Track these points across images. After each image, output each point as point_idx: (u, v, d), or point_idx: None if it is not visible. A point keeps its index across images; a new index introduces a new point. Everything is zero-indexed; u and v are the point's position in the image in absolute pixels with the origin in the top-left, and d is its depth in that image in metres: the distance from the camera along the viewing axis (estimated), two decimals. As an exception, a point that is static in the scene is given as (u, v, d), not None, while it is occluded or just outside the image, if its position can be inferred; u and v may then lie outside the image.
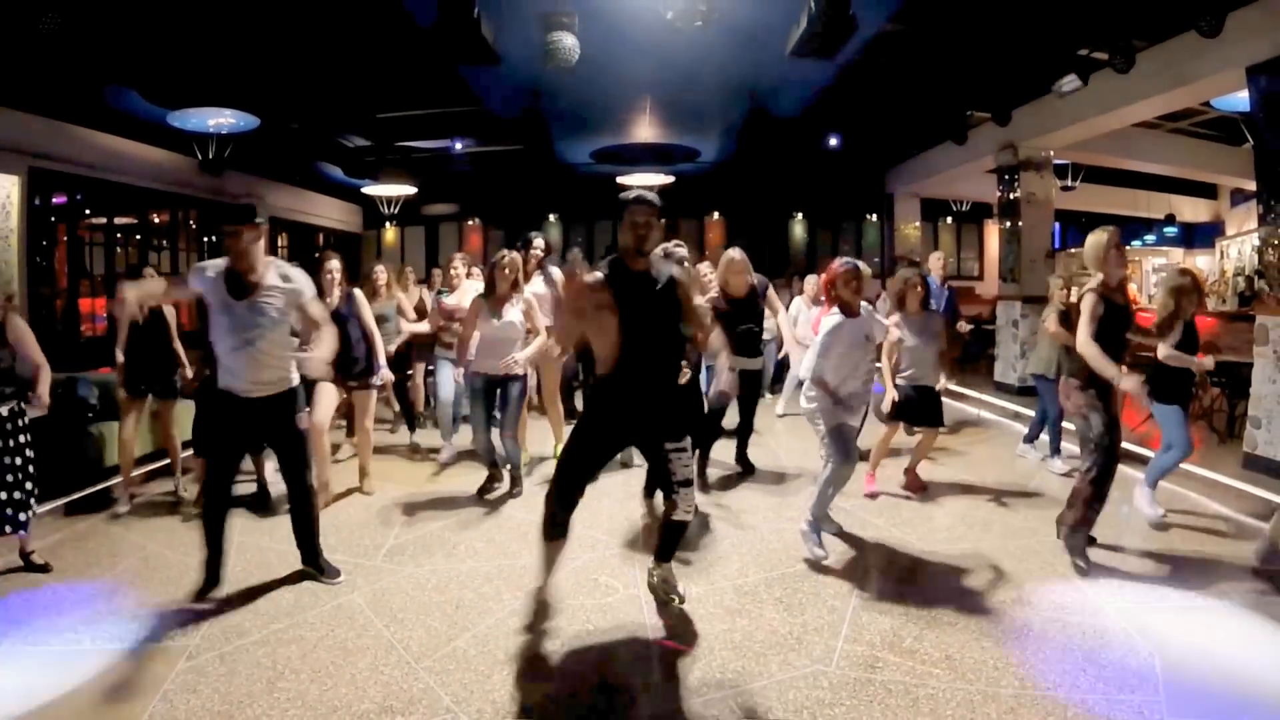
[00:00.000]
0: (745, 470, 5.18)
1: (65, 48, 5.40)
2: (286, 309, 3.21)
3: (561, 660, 2.74)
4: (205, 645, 2.84)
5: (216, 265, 3.16)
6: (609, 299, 2.77)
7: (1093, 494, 3.52)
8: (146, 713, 2.40)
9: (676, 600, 3.10)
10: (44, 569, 3.51)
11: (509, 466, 4.70)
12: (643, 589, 3.31)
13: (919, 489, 4.69)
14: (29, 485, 3.46)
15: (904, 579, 3.44)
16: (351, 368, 4.51)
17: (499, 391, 4.60)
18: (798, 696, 2.50)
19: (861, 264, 3.76)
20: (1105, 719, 2.36)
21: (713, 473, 5.01)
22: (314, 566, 3.44)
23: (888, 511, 4.35)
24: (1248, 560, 3.55)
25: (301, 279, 3.26)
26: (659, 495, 4.36)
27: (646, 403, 2.87)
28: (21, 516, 3.41)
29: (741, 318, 4.66)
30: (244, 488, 4.64)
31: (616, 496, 4.62)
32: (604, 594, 3.29)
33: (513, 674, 2.64)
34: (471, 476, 5.04)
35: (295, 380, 3.32)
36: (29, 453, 3.48)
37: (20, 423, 3.45)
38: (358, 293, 4.62)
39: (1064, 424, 5.16)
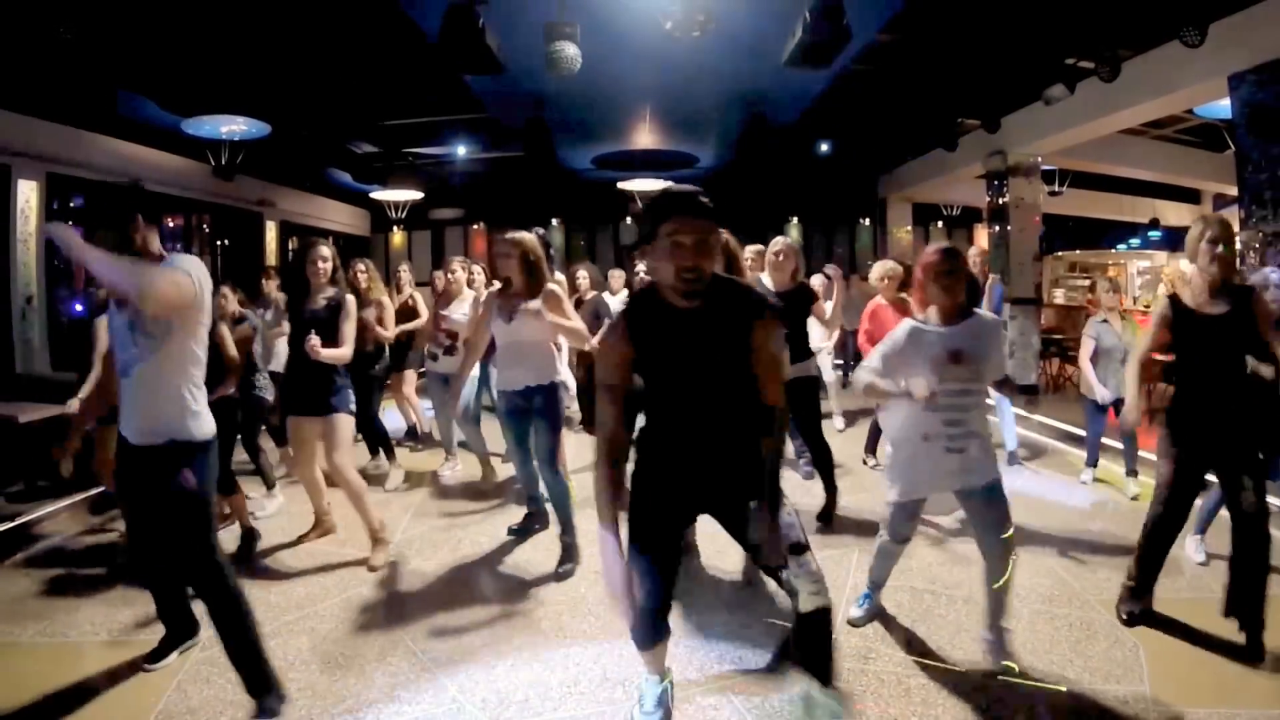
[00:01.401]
0: (823, 522, 4.01)
1: (82, 57, 5.40)
2: (179, 324, 2.19)
3: (563, 651, 2.74)
4: (218, 637, 2.84)
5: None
6: (626, 349, 1.88)
7: (1141, 550, 2.85)
8: (161, 702, 2.41)
9: None
10: None
11: (559, 521, 3.57)
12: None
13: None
14: None
15: (896, 572, 3.42)
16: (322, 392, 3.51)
17: (527, 411, 3.47)
18: (794, 687, 2.49)
19: (952, 250, 2.57)
20: (1092, 709, 2.36)
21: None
22: (259, 695, 2.33)
23: (880, 507, 4.33)
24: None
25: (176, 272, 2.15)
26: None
27: (704, 469, 1.96)
28: None
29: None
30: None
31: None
32: (606, 588, 3.28)
33: (515, 664, 2.65)
34: (477, 473, 5.03)
35: (196, 432, 2.26)
36: None
37: None
38: (350, 300, 3.55)
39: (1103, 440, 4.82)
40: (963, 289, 2.53)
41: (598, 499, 1.89)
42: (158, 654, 2.62)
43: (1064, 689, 2.46)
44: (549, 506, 3.68)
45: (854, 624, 2.89)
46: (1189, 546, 3.50)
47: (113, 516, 4.25)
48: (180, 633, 2.68)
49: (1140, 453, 4.52)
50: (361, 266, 5.02)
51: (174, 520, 2.26)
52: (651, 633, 2.09)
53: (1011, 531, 2.54)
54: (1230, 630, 2.81)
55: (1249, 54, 5.04)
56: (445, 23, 4.75)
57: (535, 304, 3.32)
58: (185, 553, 2.30)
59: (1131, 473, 4.54)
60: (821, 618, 1.99)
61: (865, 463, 5.22)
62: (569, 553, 3.47)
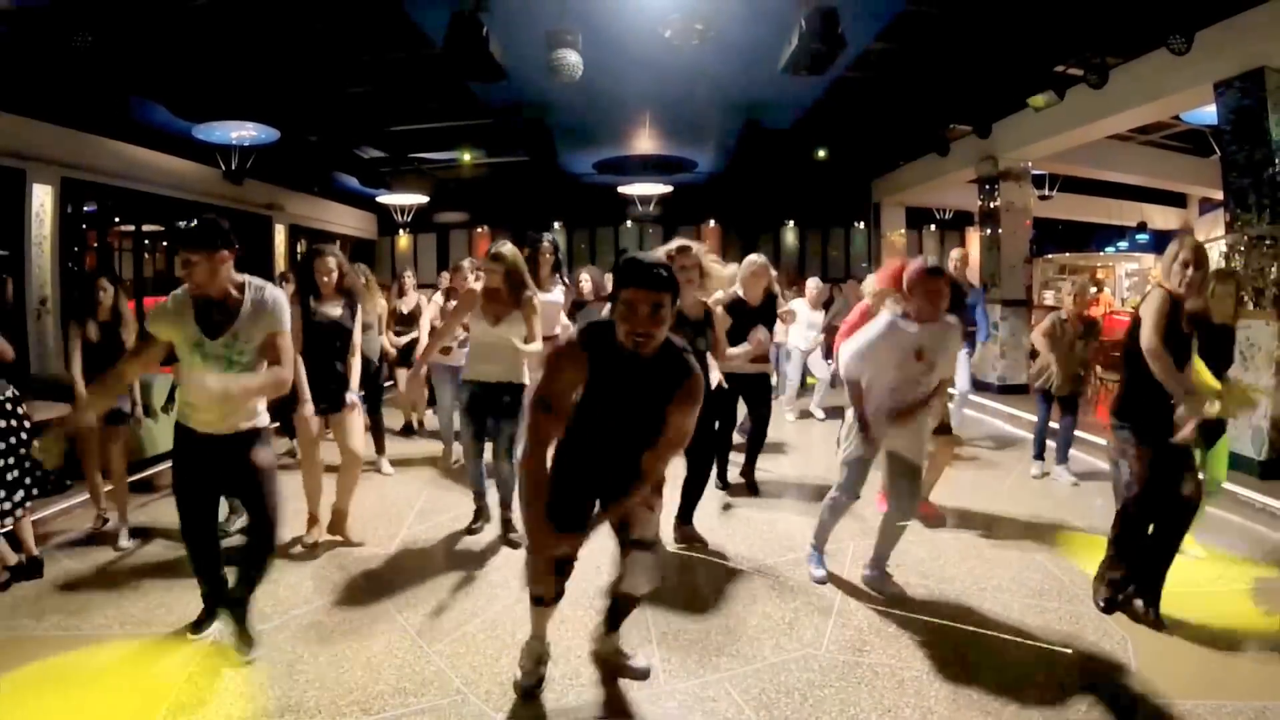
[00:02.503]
0: (750, 489, 4.57)
1: (96, 65, 5.39)
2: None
3: (566, 645, 2.74)
4: (228, 630, 2.84)
5: (176, 300, 2.51)
6: (581, 369, 2.13)
7: (1112, 555, 2.97)
8: (173, 694, 2.40)
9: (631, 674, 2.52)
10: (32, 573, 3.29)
11: (500, 500, 3.79)
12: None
13: (936, 518, 4.00)
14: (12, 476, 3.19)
15: (889, 566, 3.43)
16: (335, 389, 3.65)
17: (494, 404, 3.65)
18: (789, 678, 2.50)
19: (946, 270, 3.01)
20: (1081, 700, 2.36)
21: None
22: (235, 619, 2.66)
23: (874, 503, 4.34)
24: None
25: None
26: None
27: (604, 475, 2.22)
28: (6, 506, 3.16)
29: (753, 324, 3.90)
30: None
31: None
32: (606, 581, 3.29)
33: (519, 656, 2.64)
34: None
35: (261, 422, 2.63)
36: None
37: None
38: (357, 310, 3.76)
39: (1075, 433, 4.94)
40: (941, 301, 2.88)
41: (529, 488, 2.17)
42: (200, 625, 2.78)
43: (1053, 680, 2.46)
44: (491, 501, 3.90)
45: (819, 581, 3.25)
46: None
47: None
48: (219, 605, 2.77)
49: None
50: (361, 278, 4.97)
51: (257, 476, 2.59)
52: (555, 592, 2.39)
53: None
54: (1215, 624, 2.82)
55: (1234, 62, 5.05)
56: (450, 31, 4.75)
57: (518, 313, 3.59)
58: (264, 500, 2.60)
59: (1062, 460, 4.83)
60: (627, 601, 2.50)
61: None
62: (511, 525, 3.74)
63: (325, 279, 3.63)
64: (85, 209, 7.57)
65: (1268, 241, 4.96)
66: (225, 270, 2.47)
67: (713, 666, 2.58)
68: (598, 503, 2.28)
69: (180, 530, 2.65)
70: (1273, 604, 3.03)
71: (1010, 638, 2.76)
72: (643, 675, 2.51)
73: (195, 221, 2.50)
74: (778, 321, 4.57)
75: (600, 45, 5.56)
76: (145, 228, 8.66)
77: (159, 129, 7.48)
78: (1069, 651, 2.65)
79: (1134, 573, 2.92)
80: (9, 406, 3.26)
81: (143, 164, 7.82)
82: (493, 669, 2.57)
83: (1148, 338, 2.69)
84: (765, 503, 4.40)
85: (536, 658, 2.44)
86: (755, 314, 4.11)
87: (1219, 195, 6.27)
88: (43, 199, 6.46)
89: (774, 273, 4.45)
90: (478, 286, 4.84)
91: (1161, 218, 13.49)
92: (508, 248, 3.62)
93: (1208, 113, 6.11)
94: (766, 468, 5.18)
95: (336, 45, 6.13)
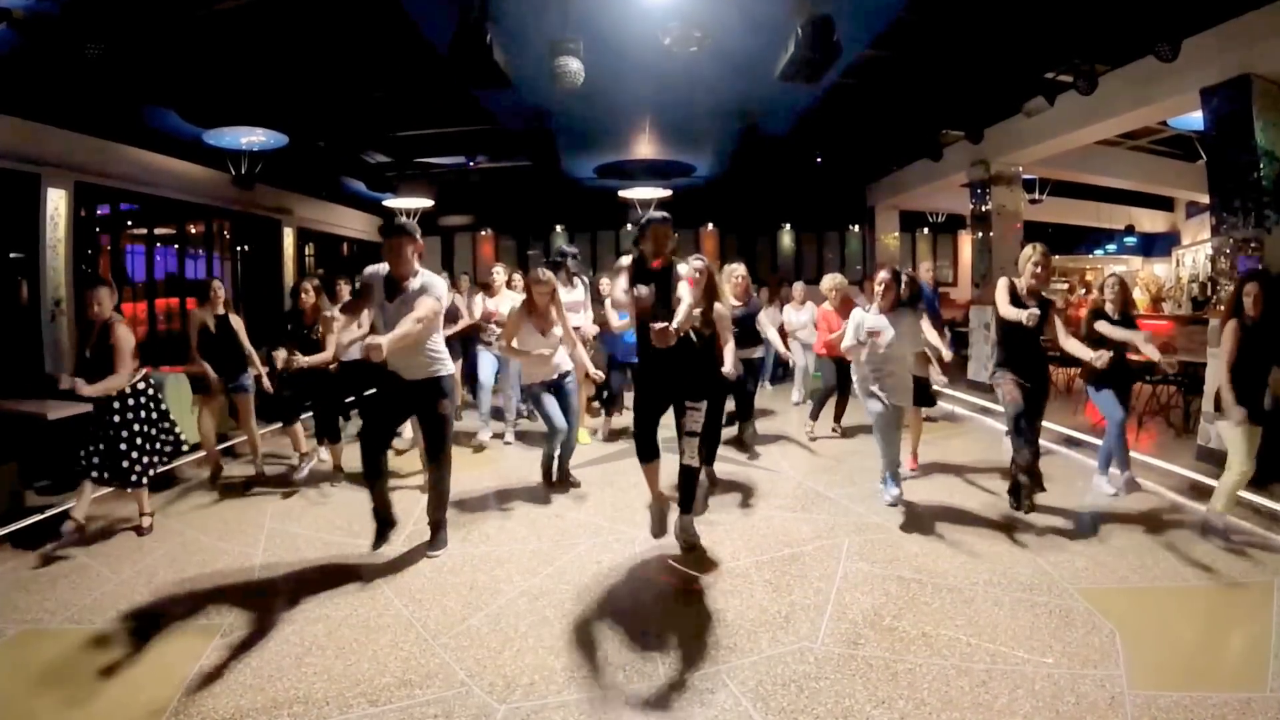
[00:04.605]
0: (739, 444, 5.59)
1: (109, 72, 5.40)
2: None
3: (566, 637, 2.74)
4: (238, 623, 2.85)
5: (378, 269, 3.47)
6: (630, 274, 3.46)
7: (1025, 459, 3.93)
8: (184, 685, 2.41)
9: (693, 548, 3.50)
10: (140, 531, 3.84)
11: (557, 460, 4.64)
12: (643, 571, 3.31)
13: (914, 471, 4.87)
14: (140, 444, 3.83)
15: (884, 562, 3.44)
16: None
17: (556, 391, 4.53)
18: (786, 671, 2.50)
19: (895, 271, 4.10)
20: (1070, 692, 2.36)
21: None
22: (436, 527, 3.64)
23: (868, 499, 4.34)
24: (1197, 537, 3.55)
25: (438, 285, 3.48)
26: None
27: (664, 369, 3.40)
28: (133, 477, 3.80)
29: (738, 320, 5.33)
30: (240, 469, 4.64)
31: (619, 486, 4.62)
32: (606, 576, 3.30)
33: (522, 650, 2.65)
34: (493, 465, 5.04)
35: (444, 371, 3.48)
36: (145, 426, 3.86)
37: (142, 400, 3.86)
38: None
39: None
40: (891, 296, 4.02)
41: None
42: (378, 543, 3.51)
43: (1043, 673, 2.46)
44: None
45: (891, 505, 4.08)
46: (1100, 484, 4.40)
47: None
48: (389, 525, 3.54)
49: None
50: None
51: (435, 416, 3.47)
52: (643, 453, 3.49)
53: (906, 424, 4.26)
54: (1201, 618, 2.82)
55: (1220, 69, 5.05)
56: (455, 39, 4.74)
57: (559, 327, 4.50)
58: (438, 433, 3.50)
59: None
60: (690, 471, 3.48)
61: (807, 431, 6.09)
62: (568, 476, 4.68)
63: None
64: (99, 212, 7.57)
65: (1253, 244, 4.96)
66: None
67: (711, 658, 2.58)
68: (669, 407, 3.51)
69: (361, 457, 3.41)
70: (1257, 598, 3.03)
71: (1001, 631, 2.76)
72: (690, 548, 3.51)
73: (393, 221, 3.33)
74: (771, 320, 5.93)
75: (602, 53, 5.56)
76: (157, 231, 8.65)
77: (170, 134, 7.47)
78: (1058, 644, 2.65)
79: (1033, 474, 3.92)
80: (143, 386, 3.90)
81: (154, 169, 7.82)
82: (496, 661, 2.57)
83: (1003, 307, 3.84)
84: (758, 501, 4.40)
85: (658, 513, 3.48)
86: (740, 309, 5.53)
87: (1205, 199, 6.27)
88: (57, 203, 6.46)
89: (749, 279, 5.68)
90: (511, 293, 5.78)
91: (1149, 221, 13.50)
92: (548, 273, 4.50)
93: (1194, 118, 6.11)
94: (764, 465, 5.19)
95: (344, 53, 6.13)
